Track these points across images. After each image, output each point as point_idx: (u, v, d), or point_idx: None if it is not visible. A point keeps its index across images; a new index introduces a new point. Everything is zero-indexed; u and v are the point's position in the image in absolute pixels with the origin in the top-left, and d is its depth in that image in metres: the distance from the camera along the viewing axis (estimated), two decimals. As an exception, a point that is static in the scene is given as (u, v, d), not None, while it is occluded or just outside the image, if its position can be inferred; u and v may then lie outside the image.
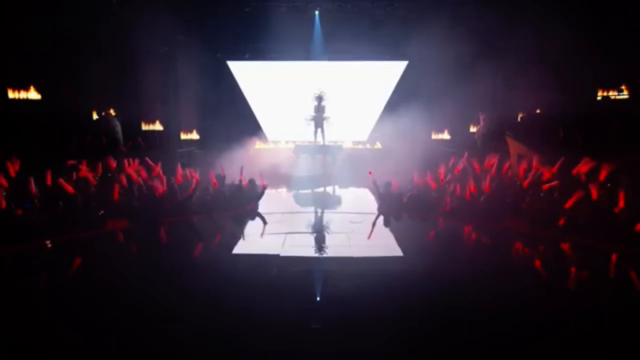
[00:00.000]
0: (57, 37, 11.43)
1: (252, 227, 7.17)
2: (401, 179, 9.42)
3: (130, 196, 7.39)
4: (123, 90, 12.78)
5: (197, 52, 13.69)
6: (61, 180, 6.81)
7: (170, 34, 13.05)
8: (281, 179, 11.31)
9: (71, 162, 8.79)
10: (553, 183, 7.01)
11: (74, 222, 6.48)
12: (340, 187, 10.95)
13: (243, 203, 7.82)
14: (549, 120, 11.43)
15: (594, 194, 6.39)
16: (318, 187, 10.63)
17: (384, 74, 14.55)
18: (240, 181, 8.10)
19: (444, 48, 13.57)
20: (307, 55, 14.02)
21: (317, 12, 13.52)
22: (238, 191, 7.94)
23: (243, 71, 14.45)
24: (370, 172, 8.44)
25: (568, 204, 6.38)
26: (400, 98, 14.19)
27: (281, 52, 13.91)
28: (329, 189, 10.63)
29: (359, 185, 11.19)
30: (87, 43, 11.68)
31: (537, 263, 5.59)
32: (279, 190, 10.61)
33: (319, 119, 11.95)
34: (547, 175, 7.51)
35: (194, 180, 7.62)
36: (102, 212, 6.89)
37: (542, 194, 7.07)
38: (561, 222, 6.34)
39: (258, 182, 8.42)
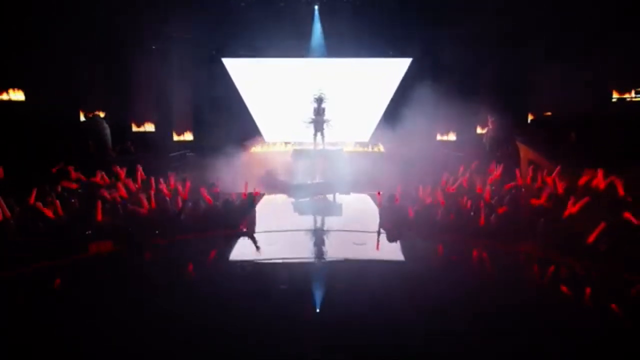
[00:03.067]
0: (43, 34, 10.81)
1: (246, 250, 6.65)
2: (404, 187, 8.94)
3: (115, 214, 6.85)
4: (112, 90, 12.19)
5: (190, 49, 13.07)
6: (39, 205, 6.25)
7: (162, 30, 12.37)
8: (279, 186, 10.78)
9: (56, 168, 8.32)
10: (583, 201, 6.37)
11: (55, 246, 5.95)
12: (341, 194, 10.42)
13: (237, 219, 7.29)
14: (560, 123, 10.88)
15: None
16: (317, 195, 10.09)
17: (387, 72, 13.93)
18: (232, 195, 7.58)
19: (450, 45, 13.02)
20: (306, 52, 13.42)
21: (316, 7, 12.89)
22: (230, 206, 7.40)
23: (239, 69, 13.81)
24: (378, 194, 7.93)
25: (591, 238, 5.83)
26: (404, 97, 13.59)
27: (279, 49, 13.27)
28: (329, 198, 10.10)
29: (360, 192, 10.70)
30: (74, 39, 11.04)
31: (553, 294, 5.08)
32: (276, 199, 10.07)
33: (319, 122, 11.34)
34: (560, 190, 6.99)
35: (182, 198, 7.08)
36: (88, 232, 6.36)
37: (564, 219, 6.44)
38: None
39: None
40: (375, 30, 12.96)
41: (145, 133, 12.66)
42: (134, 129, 12.64)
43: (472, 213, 7.04)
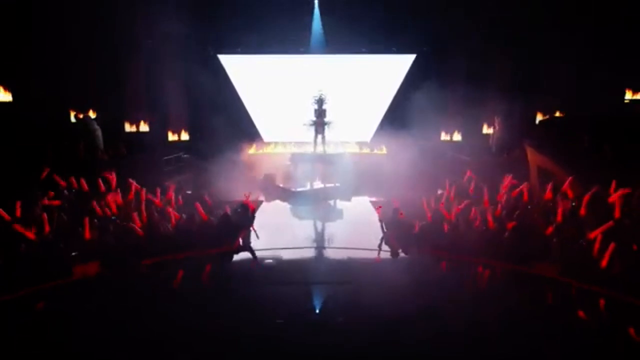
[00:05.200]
0: (31, 31, 10.30)
1: (241, 272, 6.27)
2: (408, 197, 8.56)
3: (104, 231, 6.45)
4: (104, 89, 11.68)
5: (185, 45, 12.47)
6: (19, 227, 5.83)
7: (155, 26, 11.78)
8: (277, 192, 10.37)
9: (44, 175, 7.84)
10: (608, 224, 5.94)
11: (37, 270, 5.55)
12: (342, 201, 10.04)
13: (232, 236, 6.90)
14: (571, 124, 10.43)
15: None
16: (317, 203, 9.68)
17: (389, 69, 13.40)
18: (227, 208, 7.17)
19: (456, 40, 12.49)
20: (306, 49, 12.87)
21: (316, 1, 12.31)
22: (226, 222, 7.01)
23: (236, 66, 13.29)
24: (379, 208, 7.52)
25: (604, 262, 5.44)
26: (407, 95, 13.11)
27: (277, 45, 12.76)
28: (330, 207, 9.70)
29: (363, 199, 10.34)
30: (64, 36, 10.51)
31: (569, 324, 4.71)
32: (274, 209, 9.66)
33: (319, 124, 10.87)
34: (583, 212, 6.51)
35: (175, 217, 6.69)
36: (73, 254, 5.97)
37: (583, 242, 6.02)
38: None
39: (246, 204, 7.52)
40: (378, 25, 12.40)
41: (139, 133, 12.19)
42: (127, 129, 12.16)
43: (483, 228, 6.65)
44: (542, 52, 11.31)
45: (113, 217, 6.78)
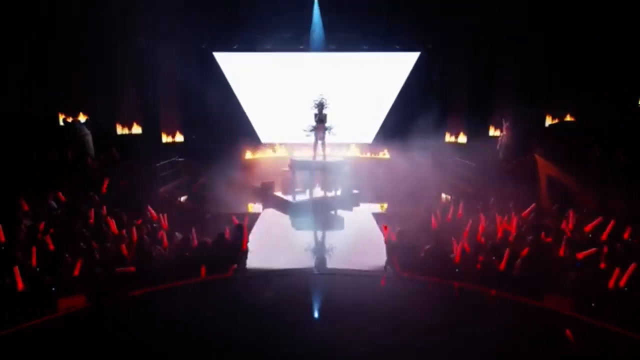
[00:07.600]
0: (16, 30, 9.74)
1: (236, 301, 5.93)
2: (412, 203, 8.22)
3: (90, 260, 6.08)
4: (95, 90, 11.16)
5: (179, 42, 11.93)
6: (20, 254, 5.45)
7: (147, 23, 11.19)
8: (274, 203, 9.99)
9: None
10: (590, 251, 5.68)
11: (21, 307, 5.19)
12: (343, 211, 9.68)
13: (227, 261, 6.55)
14: (583, 130, 9.99)
15: None
16: (317, 215, 9.32)
17: (392, 67, 12.87)
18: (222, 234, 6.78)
19: (462, 38, 11.97)
20: (305, 46, 12.32)
21: (316, -3, 11.77)
22: (221, 244, 6.64)
23: (232, 64, 12.76)
24: (385, 227, 7.17)
25: (623, 281, 5.12)
26: (410, 94, 12.66)
27: (275, 42, 12.22)
28: (331, 218, 9.35)
29: (364, 208, 9.98)
30: (52, 36, 9.94)
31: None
32: (272, 223, 9.29)
33: (320, 129, 10.43)
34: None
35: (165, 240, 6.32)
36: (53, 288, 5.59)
37: (579, 263, 5.73)
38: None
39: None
40: (380, 21, 11.83)
41: (131, 136, 11.73)
42: (120, 131, 11.69)
43: (493, 257, 6.29)
44: (551, 53, 10.78)
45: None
